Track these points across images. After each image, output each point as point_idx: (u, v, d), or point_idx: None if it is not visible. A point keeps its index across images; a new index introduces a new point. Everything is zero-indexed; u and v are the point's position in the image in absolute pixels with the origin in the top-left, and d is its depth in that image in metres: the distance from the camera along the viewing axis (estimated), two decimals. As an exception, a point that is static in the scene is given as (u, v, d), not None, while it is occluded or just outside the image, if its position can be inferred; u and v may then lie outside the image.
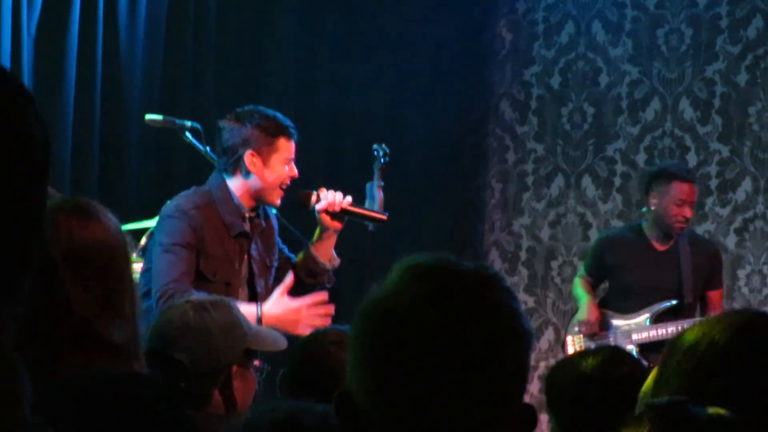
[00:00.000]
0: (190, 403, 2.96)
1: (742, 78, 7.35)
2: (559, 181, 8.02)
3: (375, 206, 4.92)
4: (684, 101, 7.53)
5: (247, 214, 4.68)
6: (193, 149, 5.18)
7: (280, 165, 4.64)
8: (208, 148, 5.06)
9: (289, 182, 4.69)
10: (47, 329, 2.19)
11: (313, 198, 4.73)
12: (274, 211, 5.10)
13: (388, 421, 1.45)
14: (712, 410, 1.69)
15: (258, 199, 4.70)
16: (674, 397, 1.85)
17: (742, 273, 7.30)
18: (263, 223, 4.78)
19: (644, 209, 6.26)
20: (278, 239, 4.92)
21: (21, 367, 1.07)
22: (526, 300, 8.00)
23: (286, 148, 4.67)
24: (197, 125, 5.10)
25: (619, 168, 7.78)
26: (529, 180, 8.15)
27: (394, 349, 1.43)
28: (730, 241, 7.35)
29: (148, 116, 5.30)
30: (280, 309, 4.59)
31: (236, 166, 4.66)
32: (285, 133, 4.66)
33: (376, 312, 1.46)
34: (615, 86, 7.81)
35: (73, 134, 6.34)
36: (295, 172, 4.70)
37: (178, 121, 5.20)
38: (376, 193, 4.95)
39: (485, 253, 8.19)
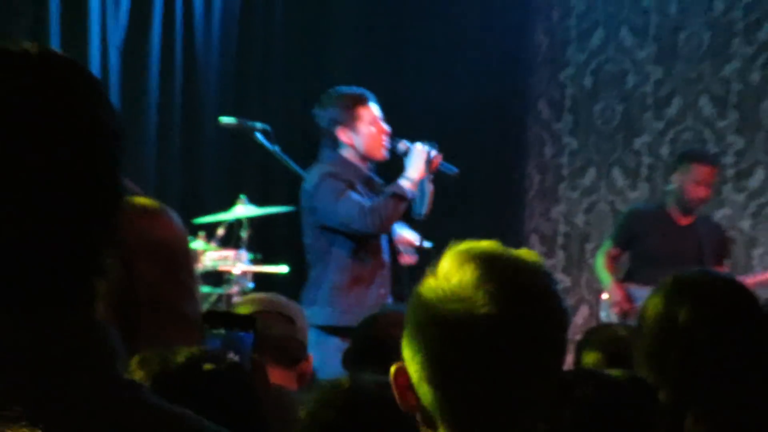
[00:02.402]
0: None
1: (756, 76, 7.51)
2: (591, 172, 8.23)
3: (426, 198, 5.24)
4: (703, 98, 7.69)
5: (364, 172, 5.19)
6: (263, 148, 5.38)
7: (366, 128, 5.13)
8: (276, 147, 5.34)
9: (384, 138, 5.14)
10: (125, 299, 2.20)
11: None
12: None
13: (442, 393, 1.51)
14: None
15: (366, 159, 5.18)
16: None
17: (755, 253, 7.51)
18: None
19: (669, 186, 6.48)
20: None
21: (112, 330, 1.10)
22: (563, 280, 8.20)
23: (366, 112, 5.14)
24: (267, 127, 5.32)
25: (646, 159, 7.95)
26: (565, 171, 8.38)
27: (444, 327, 1.49)
28: (745, 225, 7.54)
29: (222, 119, 5.43)
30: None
31: (335, 142, 5.16)
32: (360, 101, 5.15)
33: (429, 295, 1.51)
34: (641, 85, 7.98)
35: (157, 138, 6.62)
36: (385, 128, 5.16)
37: (249, 123, 5.40)
38: (427, 185, 5.26)
39: (526, 238, 8.41)
